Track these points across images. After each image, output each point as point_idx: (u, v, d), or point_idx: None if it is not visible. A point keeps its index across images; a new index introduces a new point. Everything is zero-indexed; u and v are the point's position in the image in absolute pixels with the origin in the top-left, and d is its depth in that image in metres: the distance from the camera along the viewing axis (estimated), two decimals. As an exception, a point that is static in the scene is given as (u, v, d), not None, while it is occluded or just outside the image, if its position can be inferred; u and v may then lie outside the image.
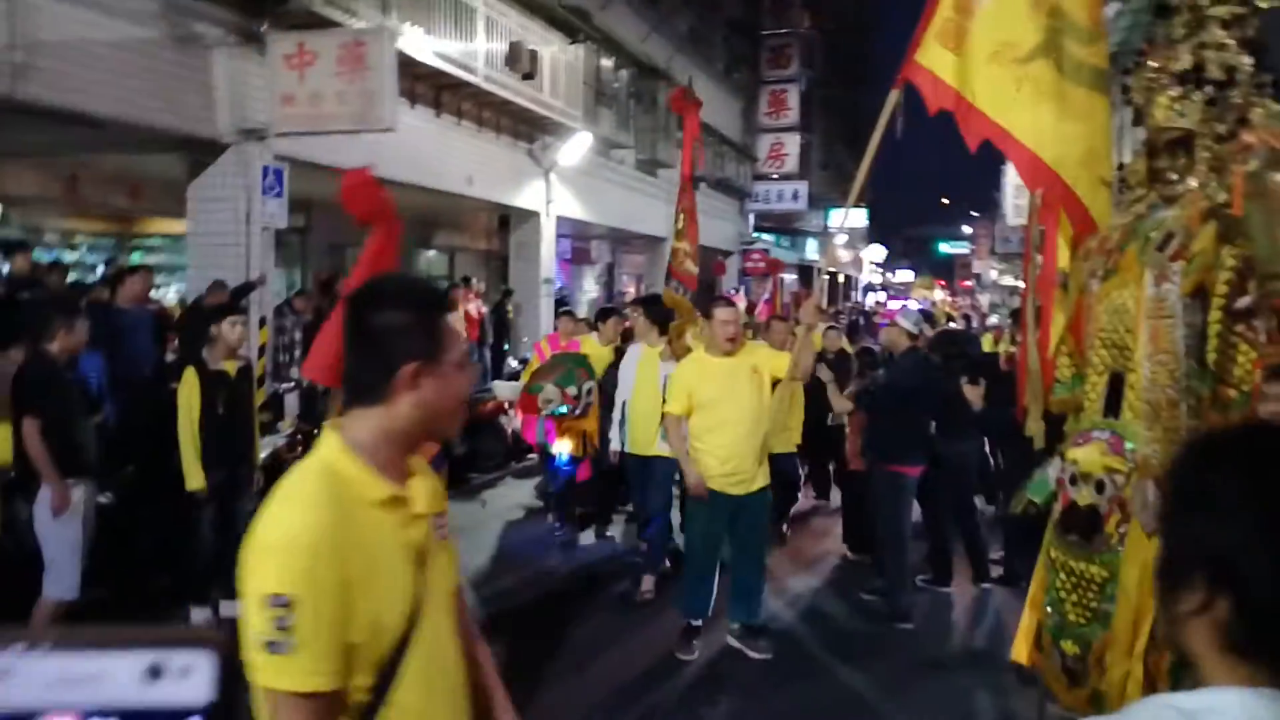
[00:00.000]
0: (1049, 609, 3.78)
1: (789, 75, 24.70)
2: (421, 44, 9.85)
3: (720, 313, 5.02)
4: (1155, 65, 3.47)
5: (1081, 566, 3.59)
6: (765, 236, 26.19)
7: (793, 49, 24.70)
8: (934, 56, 4.36)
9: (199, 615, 5.41)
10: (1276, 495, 0.88)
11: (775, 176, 24.53)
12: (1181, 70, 3.37)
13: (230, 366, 5.44)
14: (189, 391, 5.23)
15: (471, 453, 9.33)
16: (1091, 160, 3.98)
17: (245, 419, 5.57)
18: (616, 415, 6.48)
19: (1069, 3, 4.07)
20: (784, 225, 27.54)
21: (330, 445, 1.52)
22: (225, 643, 0.36)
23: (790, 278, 29.86)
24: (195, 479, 5.21)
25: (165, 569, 5.60)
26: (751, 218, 24.78)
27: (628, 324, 7.60)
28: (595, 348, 7.38)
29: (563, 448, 7.02)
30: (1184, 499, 0.95)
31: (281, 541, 1.36)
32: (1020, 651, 4.00)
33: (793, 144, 24.51)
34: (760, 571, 5.19)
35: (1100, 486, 3.53)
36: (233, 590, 5.21)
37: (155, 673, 0.38)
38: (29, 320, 5.25)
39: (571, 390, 6.83)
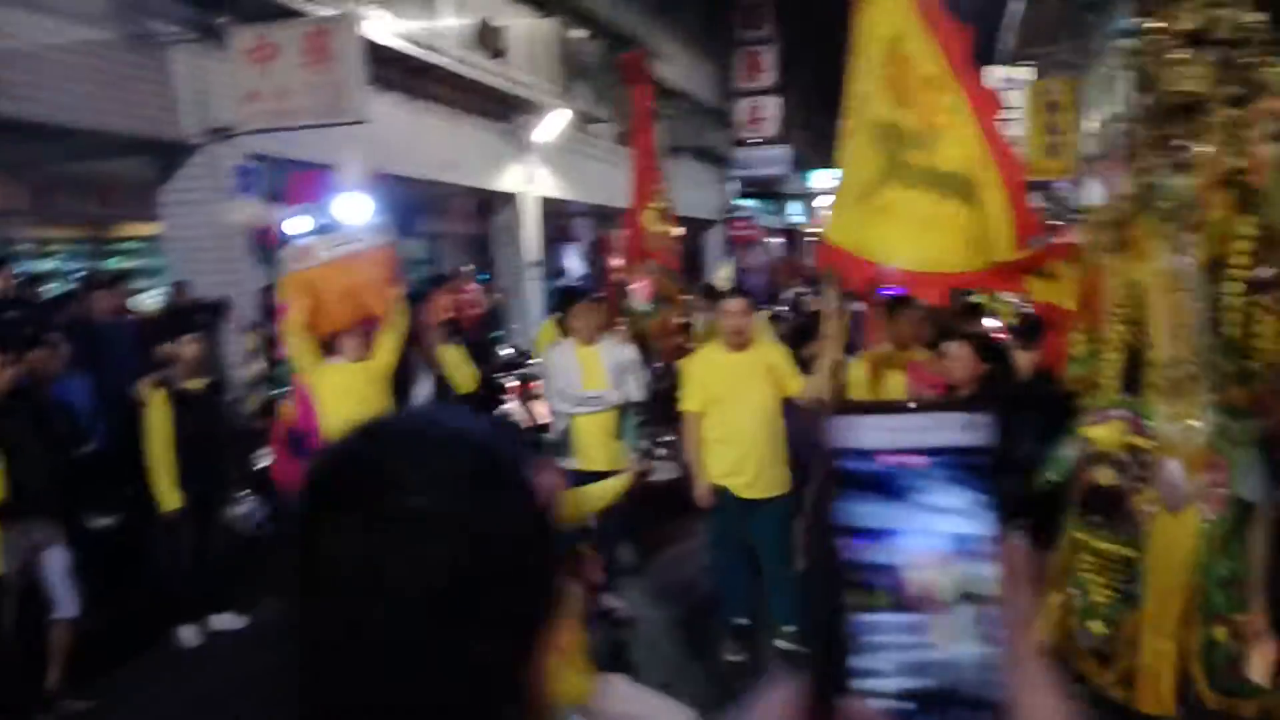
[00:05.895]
0: (1074, 590, 3.72)
1: (763, 36, 24.32)
2: (386, 28, 9.63)
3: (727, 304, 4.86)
4: (1159, 27, 3.34)
5: (1106, 547, 3.53)
6: (749, 203, 25.95)
7: (766, 8, 24.29)
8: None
9: (187, 634, 5.39)
10: None
11: (756, 141, 24.25)
12: (1188, 31, 3.24)
13: (197, 384, 5.37)
14: (156, 414, 5.21)
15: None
16: (982, 247, 3.90)
17: (215, 437, 5.52)
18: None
19: (909, 117, 4.09)
20: (767, 190, 27.29)
21: None
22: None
23: (777, 241, 29.70)
24: (171, 500, 5.21)
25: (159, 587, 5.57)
26: (734, 185, 24.54)
27: None
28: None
29: None
30: None
31: None
32: (1042, 631, 3.95)
33: (771, 107, 24.19)
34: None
35: (1122, 466, 3.45)
36: (220, 605, 4.96)
37: (967, 426, 0.57)
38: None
39: None
